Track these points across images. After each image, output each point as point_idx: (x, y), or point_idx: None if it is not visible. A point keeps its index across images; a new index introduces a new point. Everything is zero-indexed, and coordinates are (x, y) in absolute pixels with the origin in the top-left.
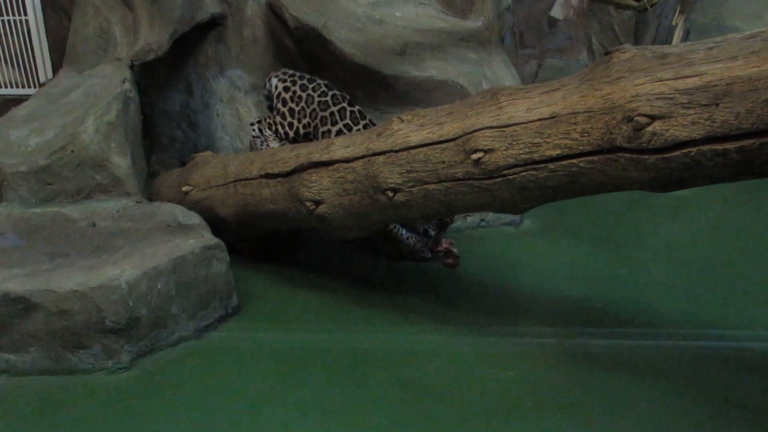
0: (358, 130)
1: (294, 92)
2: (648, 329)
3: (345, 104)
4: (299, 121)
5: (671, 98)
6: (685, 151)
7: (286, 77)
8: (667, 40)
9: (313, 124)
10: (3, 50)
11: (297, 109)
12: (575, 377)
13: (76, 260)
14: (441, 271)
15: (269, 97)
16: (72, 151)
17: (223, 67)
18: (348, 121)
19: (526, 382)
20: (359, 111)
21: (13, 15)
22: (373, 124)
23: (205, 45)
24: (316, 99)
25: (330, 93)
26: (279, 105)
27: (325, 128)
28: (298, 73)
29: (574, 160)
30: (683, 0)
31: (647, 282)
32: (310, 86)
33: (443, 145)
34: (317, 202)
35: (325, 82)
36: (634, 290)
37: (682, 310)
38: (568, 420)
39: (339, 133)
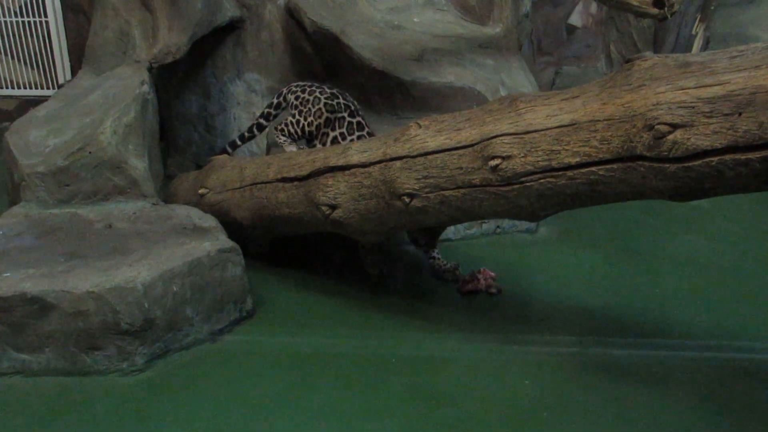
0: (351, 140)
1: (299, 96)
2: (667, 339)
3: (346, 114)
4: (305, 118)
5: (693, 107)
6: (706, 160)
7: (296, 88)
8: (687, 49)
9: (315, 123)
10: (23, 51)
11: (304, 110)
12: (592, 387)
13: (93, 261)
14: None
15: (267, 115)
16: (90, 153)
17: (241, 71)
18: (344, 130)
19: (542, 392)
20: (358, 123)
21: (34, 16)
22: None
23: (223, 48)
24: (323, 100)
25: (335, 101)
26: (292, 111)
27: (325, 130)
28: (308, 83)
29: (594, 168)
30: (703, 9)
31: (665, 291)
32: (317, 90)
33: (461, 151)
34: (333, 207)
35: (334, 90)
36: (651, 300)
37: (701, 321)
38: (585, 431)
39: (334, 140)
